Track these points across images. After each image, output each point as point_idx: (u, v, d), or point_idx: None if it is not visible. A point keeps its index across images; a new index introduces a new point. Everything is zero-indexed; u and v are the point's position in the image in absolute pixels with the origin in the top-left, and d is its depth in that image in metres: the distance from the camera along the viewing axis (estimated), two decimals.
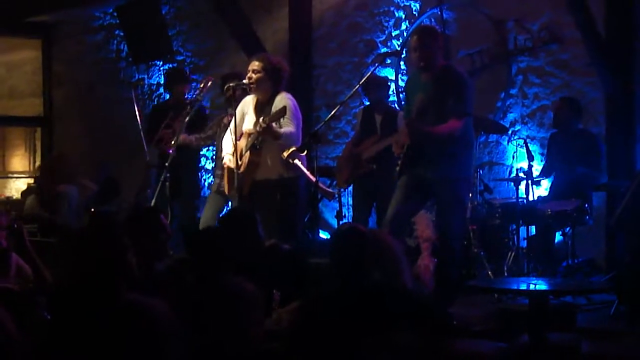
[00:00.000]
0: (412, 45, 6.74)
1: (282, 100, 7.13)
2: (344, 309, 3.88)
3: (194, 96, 8.35)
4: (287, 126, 7.03)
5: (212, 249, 4.67)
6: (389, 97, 8.98)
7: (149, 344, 3.53)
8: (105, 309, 3.55)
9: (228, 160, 7.38)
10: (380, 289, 3.98)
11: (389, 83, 9.15)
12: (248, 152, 7.24)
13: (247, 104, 7.42)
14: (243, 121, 7.38)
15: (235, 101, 7.45)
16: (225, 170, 7.54)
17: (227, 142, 7.45)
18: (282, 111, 6.90)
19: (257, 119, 7.18)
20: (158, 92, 12.12)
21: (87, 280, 3.62)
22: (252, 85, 7.23)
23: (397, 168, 6.94)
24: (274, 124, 6.94)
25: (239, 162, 7.24)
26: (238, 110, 7.39)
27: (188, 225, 8.50)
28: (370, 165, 8.33)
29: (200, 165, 9.39)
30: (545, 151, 8.41)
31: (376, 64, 7.57)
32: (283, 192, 7.23)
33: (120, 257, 3.67)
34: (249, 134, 7.24)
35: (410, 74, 7.99)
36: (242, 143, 7.32)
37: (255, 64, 7.28)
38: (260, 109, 7.29)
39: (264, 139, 7.14)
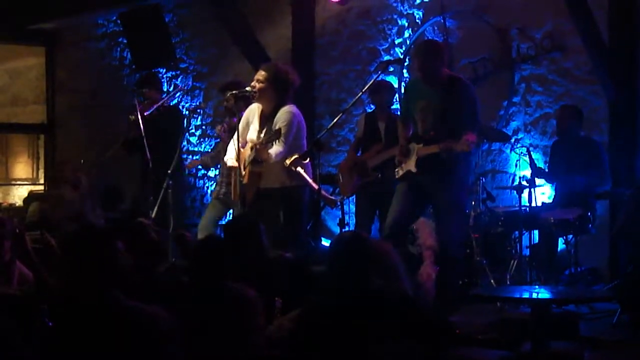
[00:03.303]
0: (415, 66, 6.79)
1: (284, 114, 7.10)
2: (344, 316, 3.88)
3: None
4: (277, 145, 6.98)
5: (215, 257, 4.67)
6: (393, 103, 8.97)
7: (148, 350, 3.54)
8: (101, 315, 3.56)
9: (231, 162, 7.37)
10: (382, 296, 3.97)
11: (395, 88, 9.16)
12: (250, 165, 7.23)
13: (253, 112, 7.40)
14: (248, 129, 7.37)
15: (237, 109, 7.46)
16: (233, 178, 7.54)
17: (231, 148, 7.44)
18: (277, 133, 6.89)
19: (261, 130, 7.19)
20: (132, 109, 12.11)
21: (78, 286, 3.62)
22: (254, 94, 7.22)
23: (397, 172, 6.96)
24: (272, 144, 6.95)
25: (242, 173, 7.23)
26: (243, 118, 7.39)
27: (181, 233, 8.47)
28: (376, 173, 8.33)
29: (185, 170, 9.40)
30: (548, 159, 8.40)
31: (379, 72, 7.58)
32: (286, 201, 7.23)
33: (109, 262, 3.67)
34: (252, 147, 7.23)
35: (412, 79, 8.00)
36: (247, 151, 7.31)
37: (260, 74, 7.26)
38: (265, 119, 7.27)
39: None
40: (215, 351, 4.37)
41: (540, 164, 8.40)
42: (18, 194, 13.40)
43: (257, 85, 7.21)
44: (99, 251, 3.66)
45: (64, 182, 9.70)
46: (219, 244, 4.94)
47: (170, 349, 3.61)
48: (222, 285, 4.54)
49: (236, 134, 7.23)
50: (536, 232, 8.01)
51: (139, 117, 8.71)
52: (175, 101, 10.71)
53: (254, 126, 7.31)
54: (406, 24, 9.86)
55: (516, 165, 8.52)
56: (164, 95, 8.93)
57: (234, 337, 4.39)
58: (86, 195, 9.56)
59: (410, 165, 6.84)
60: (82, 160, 9.78)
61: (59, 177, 9.97)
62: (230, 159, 7.41)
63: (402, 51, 9.87)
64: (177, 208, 8.79)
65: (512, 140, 8.94)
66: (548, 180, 8.20)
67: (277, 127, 6.98)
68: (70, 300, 3.65)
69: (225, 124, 8.33)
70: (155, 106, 8.73)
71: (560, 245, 7.91)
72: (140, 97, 9.02)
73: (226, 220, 8.49)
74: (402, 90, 9.63)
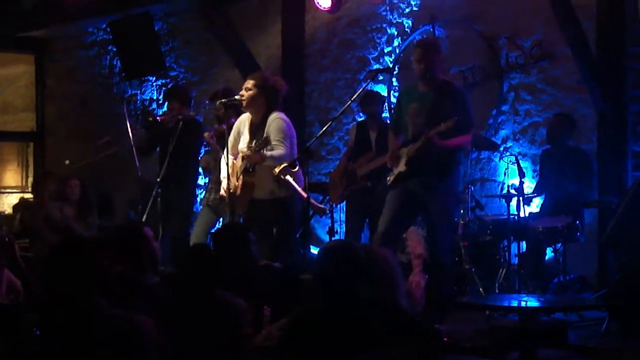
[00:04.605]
0: (415, 57, 6.80)
1: (274, 121, 7.14)
2: (332, 325, 3.88)
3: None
4: (277, 149, 7.03)
5: (204, 265, 4.67)
6: (383, 112, 9.00)
7: (132, 357, 3.54)
8: (85, 323, 3.56)
9: (224, 186, 7.37)
10: (370, 305, 3.97)
11: (385, 98, 9.19)
12: (242, 175, 7.25)
13: (243, 122, 7.42)
14: (239, 140, 7.39)
15: (226, 117, 7.49)
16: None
17: (224, 165, 7.45)
18: (266, 141, 6.93)
19: (251, 140, 7.21)
20: (151, 108, 12.13)
21: (61, 296, 3.63)
22: (243, 102, 7.25)
23: (388, 179, 6.97)
24: (262, 150, 6.98)
25: (236, 183, 7.26)
26: (234, 129, 7.42)
27: (179, 242, 8.46)
28: (365, 182, 8.34)
29: (196, 181, 9.35)
30: (538, 168, 8.42)
31: (368, 81, 7.59)
32: (276, 211, 7.24)
33: (91, 272, 3.67)
34: (242, 157, 7.26)
35: (404, 87, 8.02)
36: (238, 163, 7.34)
37: (249, 82, 7.29)
38: (255, 129, 7.30)
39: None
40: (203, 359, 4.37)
41: (529, 172, 8.43)
42: (7, 202, 13.36)
43: (245, 94, 7.23)
44: (81, 260, 3.67)
45: (45, 192, 9.71)
46: (207, 252, 4.94)
47: (154, 356, 3.62)
48: (211, 294, 4.54)
49: (227, 144, 7.26)
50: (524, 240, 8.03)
51: (128, 126, 8.76)
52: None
53: (244, 137, 7.33)
54: (395, 33, 9.88)
55: (505, 174, 8.53)
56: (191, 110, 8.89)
57: (223, 346, 4.38)
58: (71, 204, 9.53)
59: (401, 166, 6.85)
60: (67, 161, 9.72)
61: (39, 187, 9.97)
62: (223, 178, 7.40)
63: (391, 60, 9.89)
64: (182, 217, 8.80)
65: (501, 148, 8.96)
66: (537, 193, 8.22)
67: (266, 135, 7.01)
68: (54, 309, 3.65)
69: (213, 130, 8.35)
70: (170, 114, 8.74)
71: (549, 253, 7.93)
72: (131, 104, 9.04)
73: (215, 228, 8.48)
74: (392, 99, 9.67)
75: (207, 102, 8.43)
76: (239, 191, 7.25)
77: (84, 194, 9.76)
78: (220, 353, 4.36)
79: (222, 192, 7.43)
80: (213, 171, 8.42)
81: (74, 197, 9.62)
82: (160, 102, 11.82)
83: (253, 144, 7.07)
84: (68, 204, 9.58)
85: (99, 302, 3.63)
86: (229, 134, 7.52)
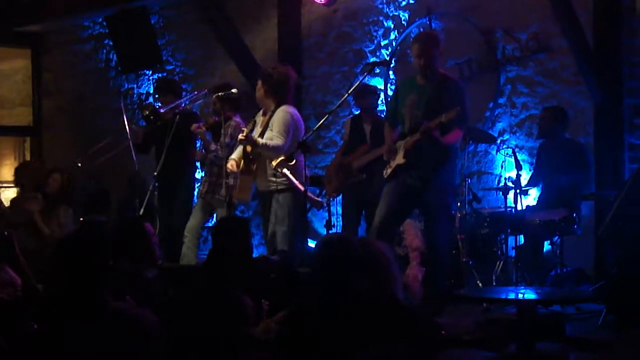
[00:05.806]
0: (415, 53, 6.81)
1: (279, 113, 7.24)
2: (330, 319, 3.88)
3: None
4: (275, 139, 7.10)
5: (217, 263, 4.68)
6: (377, 106, 9.00)
7: (136, 352, 3.54)
8: (90, 317, 3.56)
9: (231, 165, 7.46)
10: (368, 298, 3.98)
11: (379, 92, 9.18)
12: (242, 161, 7.36)
13: (259, 115, 7.54)
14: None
15: (222, 110, 7.53)
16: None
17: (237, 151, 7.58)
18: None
19: (261, 131, 7.29)
20: (147, 102, 12.10)
21: (70, 289, 3.63)
22: (241, 96, 7.35)
23: (385, 172, 6.97)
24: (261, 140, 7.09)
25: (233, 166, 7.40)
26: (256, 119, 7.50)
27: (177, 236, 8.46)
28: (361, 174, 8.34)
29: (193, 174, 9.34)
30: (534, 160, 8.43)
31: (365, 74, 7.60)
32: (274, 204, 7.28)
33: (102, 266, 3.67)
34: (240, 140, 7.37)
35: (402, 80, 8.03)
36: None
37: (258, 81, 7.41)
38: (266, 121, 7.38)
39: (252, 150, 7.25)
40: (204, 355, 4.37)
41: (525, 165, 8.42)
42: (4, 197, 13.35)
43: (257, 96, 7.38)
44: (95, 254, 3.67)
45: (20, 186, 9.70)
46: (219, 250, 4.94)
47: (158, 350, 3.62)
48: (220, 291, 4.54)
49: (223, 137, 7.32)
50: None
51: (125, 120, 8.76)
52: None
53: (256, 128, 7.42)
54: (392, 26, 9.88)
55: (502, 167, 8.54)
56: (181, 100, 8.87)
57: (228, 344, 4.39)
58: (44, 197, 9.45)
59: (399, 159, 6.85)
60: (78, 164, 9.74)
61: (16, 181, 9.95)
62: (231, 159, 7.49)
63: (388, 53, 9.89)
64: (180, 211, 8.80)
65: (498, 141, 8.96)
66: (532, 184, 8.23)
67: (270, 126, 7.12)
68: (59, 302, 3.65)
69: (202, 121, 8.37)
70: (170, 106, 8.71)
71: (546, 246, 7.94)
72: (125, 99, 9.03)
73: (214, 222, 8.48)
74: (389, 92, 9.66)
75: (204, 92, 8.44)
76: (239, 176, 7.37)
77: (63, 188, 9.53)
78: (225, 351, 4.36)
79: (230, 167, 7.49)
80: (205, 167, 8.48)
81: (48, 189, 9.47)
82: (157, 96, 11.80)
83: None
84: (40, 196, 9.45)
85: (104, 297, 3.63)
86: (224, 127, 7.59)
